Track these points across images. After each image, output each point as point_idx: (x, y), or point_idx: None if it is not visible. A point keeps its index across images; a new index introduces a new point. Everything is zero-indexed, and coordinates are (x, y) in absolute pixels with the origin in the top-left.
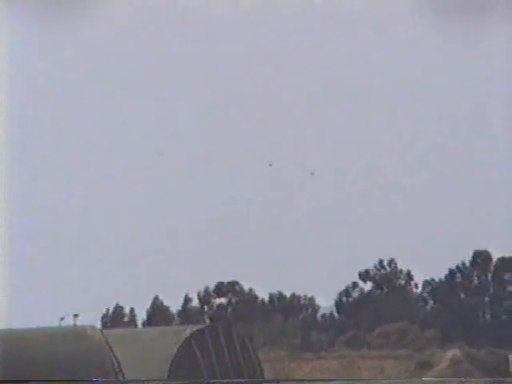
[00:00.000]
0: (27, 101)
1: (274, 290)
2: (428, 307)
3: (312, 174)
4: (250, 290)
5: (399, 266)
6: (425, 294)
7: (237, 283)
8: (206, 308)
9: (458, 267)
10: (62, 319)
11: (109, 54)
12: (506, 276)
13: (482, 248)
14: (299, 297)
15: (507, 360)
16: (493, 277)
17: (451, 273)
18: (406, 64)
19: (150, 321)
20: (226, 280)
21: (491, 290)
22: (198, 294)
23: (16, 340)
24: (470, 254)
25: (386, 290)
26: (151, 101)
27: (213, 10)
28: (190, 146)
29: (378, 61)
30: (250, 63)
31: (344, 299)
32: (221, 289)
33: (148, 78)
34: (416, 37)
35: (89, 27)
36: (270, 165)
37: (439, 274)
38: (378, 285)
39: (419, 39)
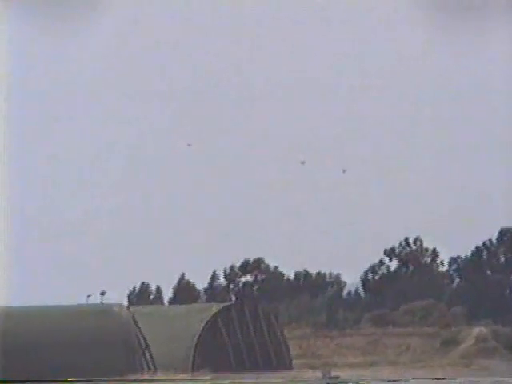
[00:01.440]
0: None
1: (300, 268)
2: (454, 285)
3: (344, 171)
4: (276, 267)
5: (425, 244)
6: (451, 272)
7: (263, 261)
8: (231, 286)
9: (484, 244)
10: (89, 296)
11: (109, 52)
12: None
13: (508, 225)
14: (325, 274)
15: None
16: None
17: (477, 250)
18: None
19: (176, 298)
20: (251, 258)
21: None
22: (224, 272)
23: (44, 316)
24: (497, 231)
25: (411, 267)
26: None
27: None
28: (221, 138)
29: (388, 59)
30: (284, 60)
31: (370, 277)
32: (246, 267)
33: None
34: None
35: (89, 27)
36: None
37: (465, 251)
38: (403, 262)
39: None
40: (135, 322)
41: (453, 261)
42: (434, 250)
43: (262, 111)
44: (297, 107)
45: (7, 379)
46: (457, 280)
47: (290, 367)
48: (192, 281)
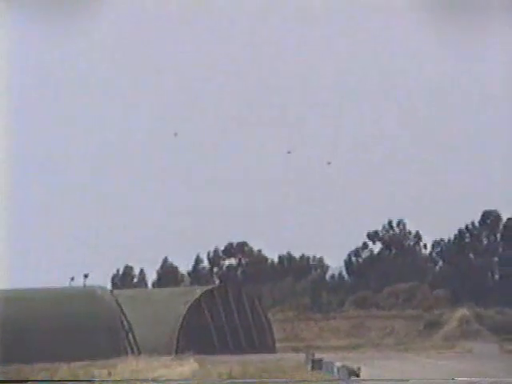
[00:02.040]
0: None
1: (283, 251)
2: (437, 267)
3: (329, 163)
4: (259, 250)
5: (408, 227)
6: (434, 255)
7: (246, 244)
8: (215, 269)
9: (467, 227)
10: (72, 279)
11: (109, 50)
12: None
13: (491, 208)
14: (308, 258)
15: None
16: (502, 236)
17: (460, 233)
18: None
19: (159, 281)
20: (235, 241)
21: (500, 250)
22: (208, 255)
23: (27, 300)
24: (479, 214)
25: (394, 250)
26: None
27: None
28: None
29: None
30: (276, 55)
31: (353, 260)
32: (230, 250)
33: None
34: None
35: (89, 27)
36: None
37: (448, 234)
38: (387, 245)
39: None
40: (118, 305)
41: (436, 244)
42: (417, 232)
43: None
44: (285, 95)
45: (7, 379)
46: (440, 263)
47: (273, 350)
48: (175, 264)
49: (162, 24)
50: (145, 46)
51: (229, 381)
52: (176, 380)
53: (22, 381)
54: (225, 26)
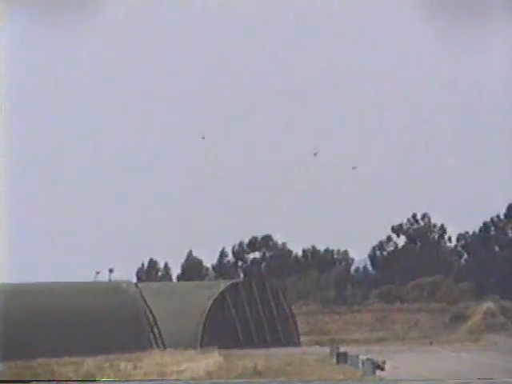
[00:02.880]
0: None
1: (308, 245)
2: (462, 260)
3: (354, 168)
4: (284, 244)
5: (433, 220)
6: (458, 248)
7: (270, 238)
8: (239, 263)
9: (492, 220)
10: (98, 274)
11: (110, 51)
12: None
13: None
14: (333, 251)
15: None
16: None
17: (485, 226)
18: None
19: (184, 275)
20: (259, 234)
21: None
22: (233, 249)
23: (53, 294)
24: (505, 206)
25: (419, 243)
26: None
27: None
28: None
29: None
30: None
31: (378, 253)
32: (255, 243)
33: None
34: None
35: (90, 27)
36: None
37: (473, 227)
38: (411, 239)
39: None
40: (143, 299)
41: (461, 236)
42: (442, 225)
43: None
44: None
45: (7, 379)
46: (465, 256)
47: (298, 343)
48: (200, 257)
49: (164, 24)
50: (146, 45)
51: (233, 381)
52: (185, 380)
53: (22, 381)
54: (237, 24)
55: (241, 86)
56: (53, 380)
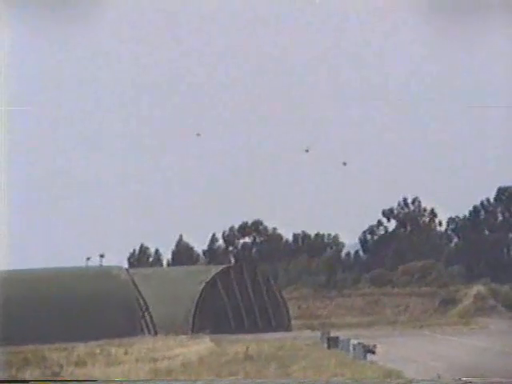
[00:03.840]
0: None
1: (298, 230)
2: (452, 244)
3: (344, 164)
4: (274, 229)
5: (423, 204)
6: (449, 232)
7: (261, 223)
8: (230, 248)
9: (482, 204)
10: (88, 259)
11: (110, 50)
12: None
13: (506, 184)
14: (323, 235)
15: None
16: None
17: (475, 210)
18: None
19: (175, 261)
20: (250, 220)
21: None
22: (223, 234)
23: (44, 280)
24: (494, 190)
25: (409, 228)
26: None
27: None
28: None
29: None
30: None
31: (368, 237)
32: (245, 228)
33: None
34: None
35: (90, 29)
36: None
37: (463, 211)
38: (401, 223)
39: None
40: (135, 285)
41: (451, 220)
42: (432, 210)
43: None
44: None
45: (8, 379)
46: (455, 239)
47: (289, 328)
48: (191, 243)
49: (162, 22)
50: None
51: (231, 379)
52: (182, 380)
53: (22, 381)
54: (231, 22)
55: (234, 82)
56: (53, 380)
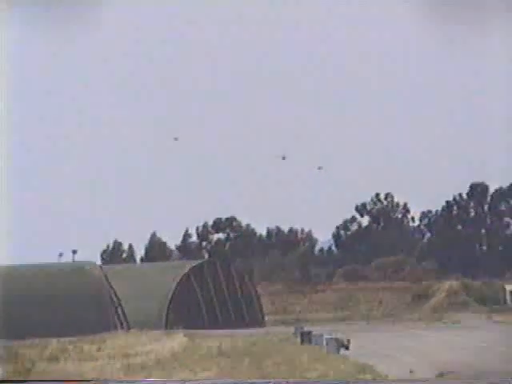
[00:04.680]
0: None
1: (272, 225)
2: (425, 239)
3: (320, 168)
4: (248, 225)
5: (396, 199)
6: (422, 227)
7: (235, 219)
8: (204, 243)
9: (454, 199)
10: (61, 255)
11: (110, 51)
12: (503, 207)
13: (478, 180)
14: (297, 231)
15: (504, 290)
16: (489, 208)
17: (448, 205)
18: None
19: (148, 256)
20: (223, 216)
21: (488, 222)
22: (197, 230)
23: (16, 276)
24: (467, 185)
25: (383, 223)
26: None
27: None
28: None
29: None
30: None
31: (342, 233)
32: (219, 224)
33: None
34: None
35: (91, 27)
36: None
37: (436, 206)
38: (375, 218)
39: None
40: (107, 281)
41: (424, 216)
42: (405, 205)
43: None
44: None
45: (7, 379)
46: (428, 235)
47: (262, 323)
48: (164, 239)
49: (160, 22)
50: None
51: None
52: (180, 380)
53: (21, 381)
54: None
55: (217, 87)
56: (53, 380)
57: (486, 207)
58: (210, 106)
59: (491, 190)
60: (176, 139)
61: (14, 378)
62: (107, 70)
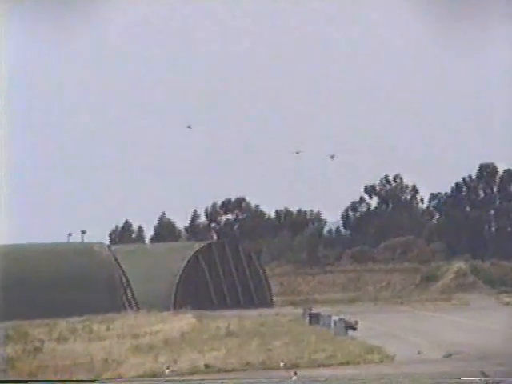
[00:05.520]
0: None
1: (281, 206)
2: (434, 221)
3: (332, 157)
4: (257, 206)
5: (405, 181)
6: (430, 208)
7: (244, 199)
8: (213, 224)
9: (464, 180)
10: (70, 235)
11: (110, 50)
12: None
13: (487, 161)
14: (306, 212)
15: None
16: (498, 189)
17: (457, 186)
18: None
19: (157, 237)
20: (233, 196)
21: (497, 203)
22: (206, 211)
23: (25, 256)
24: (476, 167)
25: (391, 204)
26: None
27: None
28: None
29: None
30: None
31: (350, 214)
32: (228, 205)
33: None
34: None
35: (91, 27)
36: None
37: (445, 187)
38: (383, 200)
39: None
40: (116, 261)
41: (432, 197)
42: (414, 186)
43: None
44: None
45: (7, 379)
46: (436, 216)
47: (271, 304)
48: (173, 219)
49: (159, 21)
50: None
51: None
52: (189, 380)
53: (21, 381)
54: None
55: (229, 79)
56: (53, 380)
57: (495, 188)
58: (221, 90)
59: (500, 171)
60: (189, 127)
61: (14, 378)
62: (107, 64)
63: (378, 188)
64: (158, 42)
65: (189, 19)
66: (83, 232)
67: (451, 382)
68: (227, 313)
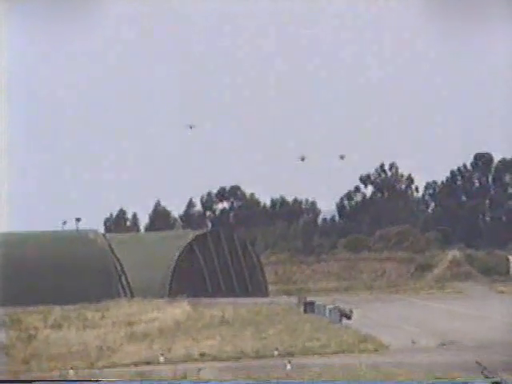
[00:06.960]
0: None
1: (276, 195)
2: (429, 210)
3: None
4: (252, 194)
5: (400, 170)
6: (426, 197)
7: (239, 188)
8: (208, 213)
9: (459, 169)
10: (65, 223)
11: (110, 50)
12: (507, 178)
13: (483, 150)
14: (301, 201)
15: (507, 260)
16: (493, 179)
17: (452, 175)
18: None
19: (152, 225)
20: (228, 185)
21: (492, 192)
22: (201, 199)
23: (18, 243)
24: (471, 156)
25: (386, 193)
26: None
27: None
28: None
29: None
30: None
31: (346, 203)
32: (223, 194)
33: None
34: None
35: (92, 27)
36: None
37: (440, 176)
38: (379, 188)
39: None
40: (111, 249)
41: (428, 186)
42: (409, 175)
43: None
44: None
45: (7, 379)
46: (432, 205)
47: (265, 293)
48: (168, 208)
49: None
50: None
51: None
52: (191, 381)
53: (21, 381)
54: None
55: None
56: (52, 380)
57: (490, 178)
58: (221, 86)
59: (495, 160)
60: (191, 127)
61: (14, 379)
62: (107, 63)
63: (373, 177)
64: (158, 42)
65: (189, 18)
66: (78, 220)
67: (445, 372)
68: (222, 301)
